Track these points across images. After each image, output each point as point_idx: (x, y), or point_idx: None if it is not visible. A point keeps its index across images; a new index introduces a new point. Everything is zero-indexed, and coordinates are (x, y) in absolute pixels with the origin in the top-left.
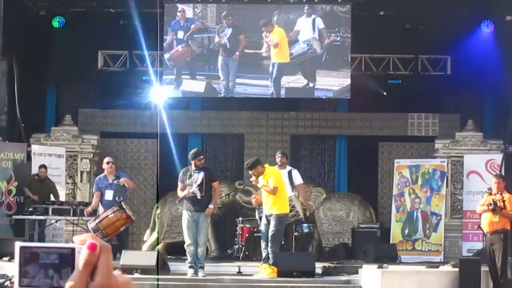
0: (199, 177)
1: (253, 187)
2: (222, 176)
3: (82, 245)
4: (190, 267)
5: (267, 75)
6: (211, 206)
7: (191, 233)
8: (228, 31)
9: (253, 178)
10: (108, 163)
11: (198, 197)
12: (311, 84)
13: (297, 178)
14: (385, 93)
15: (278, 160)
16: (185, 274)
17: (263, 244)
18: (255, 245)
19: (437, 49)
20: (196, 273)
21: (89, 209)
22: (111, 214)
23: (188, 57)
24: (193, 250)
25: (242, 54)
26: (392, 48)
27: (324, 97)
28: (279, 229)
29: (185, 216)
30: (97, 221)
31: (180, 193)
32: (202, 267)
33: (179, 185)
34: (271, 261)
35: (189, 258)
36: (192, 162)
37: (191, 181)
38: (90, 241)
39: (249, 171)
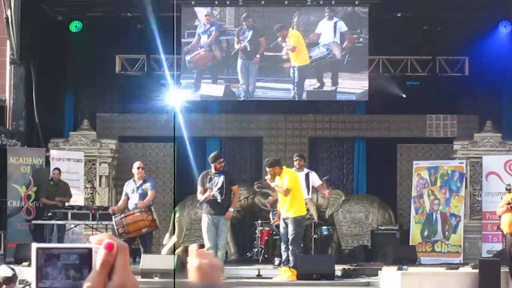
0: (219, 180)
1: (272, 190)
2: (241, 179)
3: (99, 245)
4: None
5: (288, 78)
6: (231, 209)
7: (211, 237)
8: (249, 33)
9: (268, 177)
10: (138, 168)
11: (219, 200)
12: (333, 87)
13: (316, 180)
14: (404, 95)
15: (296, 163)
16: None
17: (282, 247)
18: (274, 248)
19: (455, 50)
20: None
21: (115, 207)
22: (137, 212)
23: (209, 62)
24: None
25: (262, 57)
26: (410, 50)
27: (344, 100)
28: (298, 231)
29: (205, 219)
30: (122, 215)
31: (200, 196)
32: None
33: (199, 188)
34: (291, 264)
35: None
36: (212, 165)
37: (211, 184)
38: (107, 241)
39: (267, 168)
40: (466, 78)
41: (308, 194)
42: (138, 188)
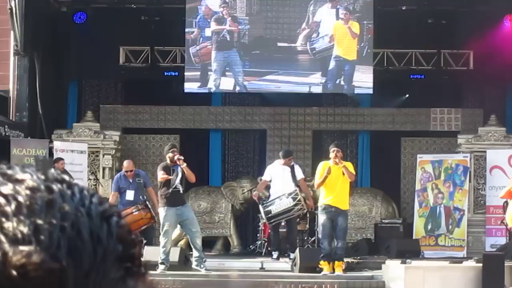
0: (179, 171)
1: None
2: (244, 171)
3: None
4: (161, 263)
5: (302, 70)
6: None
7: (172, 230)
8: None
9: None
10: (131, 171)
11: (181, 191)
12: (341, 82)
13: (299, 173)
14: (407, 95)
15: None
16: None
17: (326, 240)
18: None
19: (459, 43)
20: (165, 269)
21: None
22: (135, 211)
23: (214, 54)
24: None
25: (275, 48)
26: (415, 43)
27: (349, 94)
28: (347, 225)
29: (168, 212)
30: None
31: (162, 176)
32: (205, 260)
33: (163, 173)
34: (340, 257)
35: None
36: (167, 156)
37: (174, 175)
38: None
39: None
40: (471, 71)
41: (295, 186)
42: (132, 183)
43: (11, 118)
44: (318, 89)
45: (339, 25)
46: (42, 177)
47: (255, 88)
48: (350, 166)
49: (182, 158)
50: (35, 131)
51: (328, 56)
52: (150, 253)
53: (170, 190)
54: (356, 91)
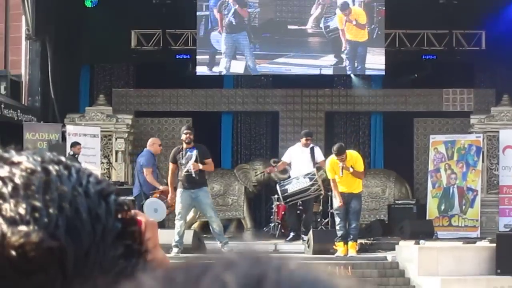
0: (192, 154)
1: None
2: (257, 153)
3: None
4: (175, 246)
5: (313, 52)
6: (200, 165)
7: (185, 210)
8: (233, 7)
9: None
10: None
11: (193, 175)
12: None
13: (319, 155)
14: (416, 75)
15: (304, 141)
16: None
17: (342, 223)
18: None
19: (471, 23)
20: (179, 252)
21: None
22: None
23: (224, 37)
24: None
25: (285, 31)
26: (426, 24)
27: (360, 75)
28: (361, 206)
29: (181, 193)
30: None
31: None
32: (227, 243)
33: (171, 165)
34: (354, 238)
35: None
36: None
37: (185, 159)
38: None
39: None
40: (483, 51)
41: (313, 167)
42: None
43: (23, 103)
44: (329, 71)
45: (343, 20)
46: (39, 159)
47: (266, 71)
48: (357, 160)
49: (198, 167)
50: (48, 115)
51: (340, 37)
52: (164, 236)
53: (183, 174)
54: (368, 72)
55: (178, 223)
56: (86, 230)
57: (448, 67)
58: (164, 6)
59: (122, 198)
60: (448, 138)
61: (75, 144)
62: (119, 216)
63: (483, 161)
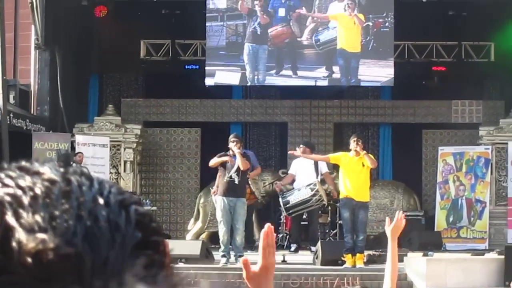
0: (236, 162)
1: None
2: (266, 164)
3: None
4: (222, 256)
5: (307, 64)
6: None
7: (226, 220)
8: (259, 16)
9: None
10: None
11: (236, 182)
12: (343, 76)
13: (323, 167)
14: (423, 82)
15: (301, 150)
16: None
17: (349, 234)
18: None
19: (480, 35)
20: (228, 261)
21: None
22: None
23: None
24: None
25: (282, 43)
26: (436, 35)
27: (369, 86)
28: (367, 217)
29: (220, 202)
30: None
31: (215, 160)
32: (242, 256)
33: (215, 158)
34: (361, 250)
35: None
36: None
37: (229, 166)
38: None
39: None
40: (492, 63)
41: (317, 177)
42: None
43: (32, 112)
44: (324, 83)
45: (344, 16)
46: (61, 170)
47: (264, 82)
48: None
49: (238, 146)
50: (56, 125)
51: (332, 49)
52: (172, 247)
53: (225, 179)
54: (363, 84)
55: (220, 231)
56: (105, 238)
57: (457, 79)
58: (173, 16)
59: (145, 208)
60: (456, 150)
61: (76, 153)
62: (140, 225)
63: (491, 173)
